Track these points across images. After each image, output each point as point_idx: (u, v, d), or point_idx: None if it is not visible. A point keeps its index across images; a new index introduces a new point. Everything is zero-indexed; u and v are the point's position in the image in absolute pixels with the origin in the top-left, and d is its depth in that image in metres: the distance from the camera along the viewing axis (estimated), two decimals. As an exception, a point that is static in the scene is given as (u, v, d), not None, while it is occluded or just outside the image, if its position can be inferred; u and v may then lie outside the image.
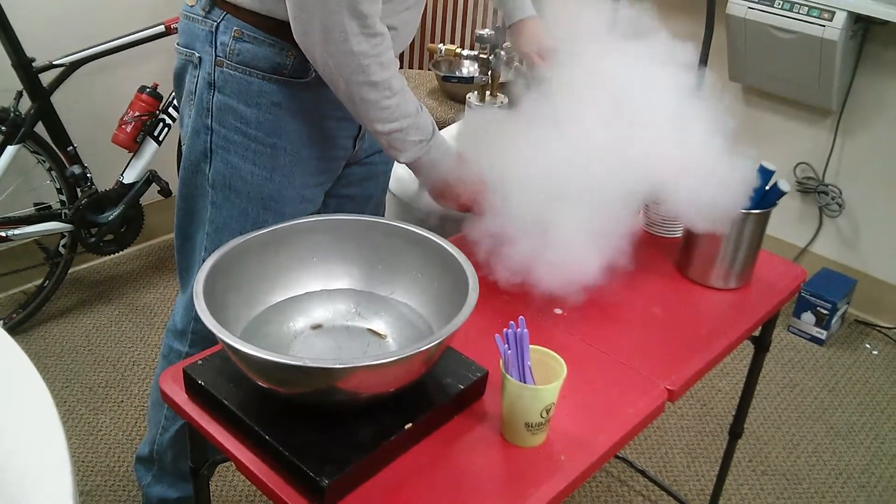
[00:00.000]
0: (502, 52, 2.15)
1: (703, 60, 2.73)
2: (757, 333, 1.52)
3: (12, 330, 2.41)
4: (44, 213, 2.41)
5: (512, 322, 1.01)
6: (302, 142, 1.35)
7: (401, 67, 1.45)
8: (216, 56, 1.30)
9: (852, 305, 2.77)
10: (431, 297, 1.13)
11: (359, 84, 1.20)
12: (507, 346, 1.00)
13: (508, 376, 1.00)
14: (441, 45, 2.26)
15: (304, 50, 1.21)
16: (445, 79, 2.57)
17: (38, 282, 2.51)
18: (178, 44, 1.37)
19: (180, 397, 1.10)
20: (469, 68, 2.68)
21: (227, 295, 1.06)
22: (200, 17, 1.31)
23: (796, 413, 2.34)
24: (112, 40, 2.38)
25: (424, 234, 1.15)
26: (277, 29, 1.26)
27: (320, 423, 0.99)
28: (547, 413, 1.01)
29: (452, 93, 2.61)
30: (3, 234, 2.31)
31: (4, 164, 2.25)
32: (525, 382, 1.01)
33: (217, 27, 1.29)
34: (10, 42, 2.21)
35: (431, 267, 1.13)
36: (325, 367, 0.91)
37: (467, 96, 1.91)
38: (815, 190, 2.77)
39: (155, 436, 1.63)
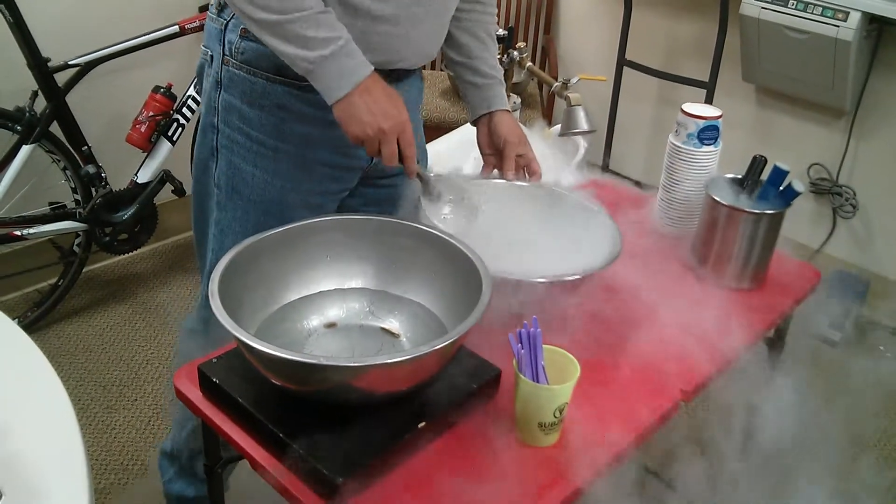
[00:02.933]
0: (514, 53, 2.16)
1: (716, 61, 2.73)
2: (771, 335, 1.52)
3: (27, 328, 2.42)
4: (58, 213, 2.42)
5: (525, 321, 1.01)
6: (307, 147, 1.33)
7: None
8: (223, 54, 1.30)
9: (866, 307, 2.76)
10: (445, 296, 1.14)
11: None
12: (520, 345, 1.00)
13: (522, 376, 1.00)
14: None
15: None
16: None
17: (53, 280, 2.53)
18: (202, 43, 1.38)
19: (195, 395, 1.10)
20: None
21: (242, 293, 1.07)
22: (214, 16, 1.32)
23: (811, 416, 2.33)
24: (127, 41, 2.40)
25: (438, 233, 1.15)
26: None
27: (334, 421, 0.99)
28: (560, 413, 1.01)
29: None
30: (18, 232, 2.32)
31: (19, 163, 2.26)
32: (538, 382, 1.01)
33: (226, 25, 1.29)
34: (25, 42, 2.22)
35: (445, 266, 1.14)
36: (340, 365, 0.91)
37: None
38: (828, 191, 2.76)
39: (176, 433, 1.64)
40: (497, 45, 1.51)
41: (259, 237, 1.11)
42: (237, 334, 0.93)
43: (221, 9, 1.31)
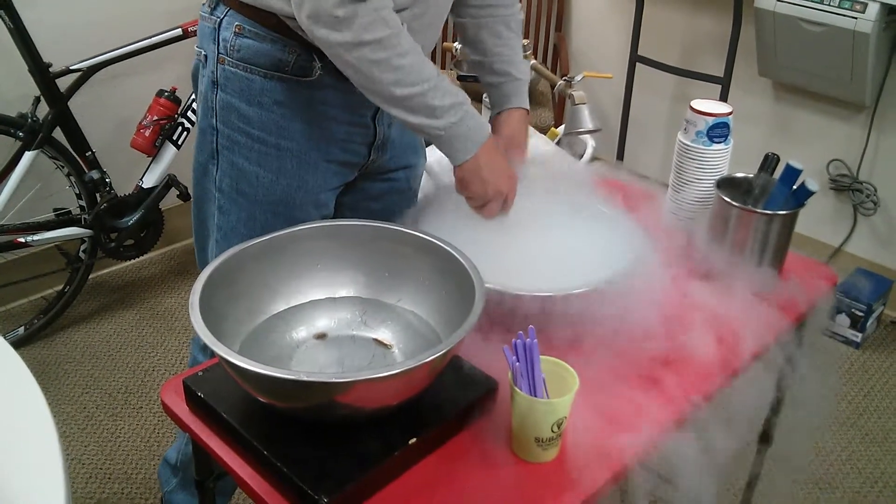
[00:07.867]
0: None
1: (731, 56, 2.66)
2: (786, 338, 1.45)
3: (33, 336, 2.41)
4: (63, 219, 2.40)
5: (521, 331, 0.96)
6: (309, 144, 1.30)
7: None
8: (218, 53, 1.26)
9: (889, 307, 2.68)
10: (439, 305, 1.09)
11: (363, 45, 1.10)
12: (515, 357, 0.96)
13: (517, 389, 0.95)
14: (457, 45, 2.22)
15: (303, 27, 1.13)
16: (461, 78, 2.54)
17: (59, 287, 2.50)
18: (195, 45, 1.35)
19: (181, 408, 1.07)
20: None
21: (227, 304, 1.03)
22: (207, 15, 1.29)
23: (829, 418, 2.26)
24: (129, 44, 2.37)
25: (432, 239, 1.11)
26: (278, 25, 1.21)
27: (321, 437, 0.95)
28: (559, 427, 0.96)
29: (472, 92, 2.57)
30: (23, 239, 2.30)
31: (23, 169, 2.25)
32: (535, 395, 0.96)
33: (220, 23, 1.26)
34: (26, 47, 2.20)
35: (439, 274, 1.09)
36: (323, 381, 0.87)
37: (484, 95, 1.86)
38: (848, 188, 2.68)
39: (181, 445, 1.61)
40: (521, 38, 1.47)
41: (244, 245, 1.07)
42: (216, 348, 0.89)
43: (214, 7, 1.28)
